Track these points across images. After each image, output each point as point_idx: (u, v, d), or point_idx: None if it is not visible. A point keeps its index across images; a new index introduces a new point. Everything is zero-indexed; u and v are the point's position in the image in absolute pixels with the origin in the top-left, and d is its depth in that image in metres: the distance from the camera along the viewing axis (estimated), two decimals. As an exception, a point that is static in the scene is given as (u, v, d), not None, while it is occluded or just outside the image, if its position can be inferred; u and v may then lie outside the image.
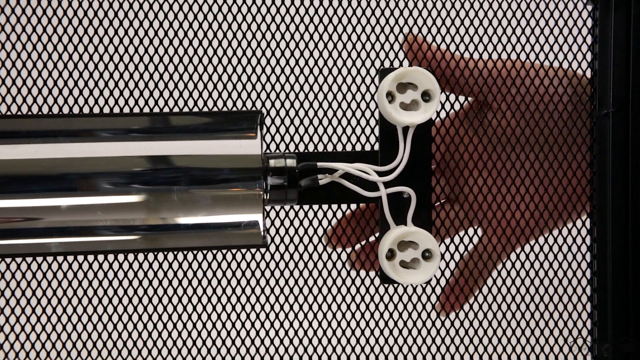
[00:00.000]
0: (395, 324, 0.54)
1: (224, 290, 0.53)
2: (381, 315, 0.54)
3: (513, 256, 0.55)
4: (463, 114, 0.54)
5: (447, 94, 0.53)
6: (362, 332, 0.54)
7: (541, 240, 0.54)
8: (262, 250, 0.53)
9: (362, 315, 0.54)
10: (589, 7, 0.53)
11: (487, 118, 0.53)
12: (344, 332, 0.54)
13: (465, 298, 0.54)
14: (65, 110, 0.51)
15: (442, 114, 0.54)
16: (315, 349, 0.54)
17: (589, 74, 0.53)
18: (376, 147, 0.52)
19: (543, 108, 0.52)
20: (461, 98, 0.54)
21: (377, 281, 0.54)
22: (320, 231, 0.53)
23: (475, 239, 0.54)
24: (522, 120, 0.52)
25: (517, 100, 0.52)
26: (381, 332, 0.54)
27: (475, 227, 0.54)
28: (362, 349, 0.54)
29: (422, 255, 0.50)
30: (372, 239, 0.53)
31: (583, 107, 0.52)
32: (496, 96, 0.52)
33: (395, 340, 0.54)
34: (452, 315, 0.54)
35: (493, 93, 0.52)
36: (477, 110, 0.53)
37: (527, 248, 0.54)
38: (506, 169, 0.53)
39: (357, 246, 0.53)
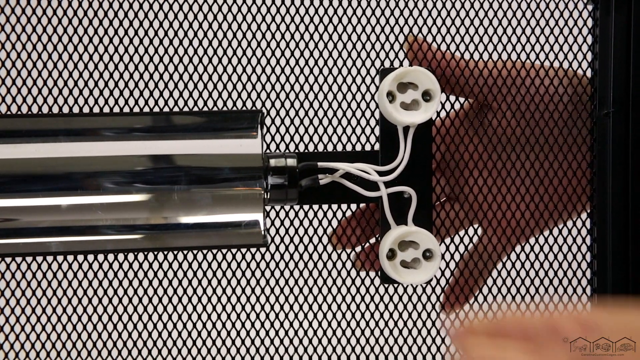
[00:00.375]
0: (396, 324, 0.54)
1: (224, 290, 0.53)
2: (381, 315, 0.54)
3: (513, 256, 0.54)
4: (463, 114, 0.54)
5: (447, 94, 0.53)
6: (363, 332, 0.54)
7: (541, 240, 0.54)
8: (262, 250, 0.53)
9: (363, 315, 0.54)
10: (590, 7, 0.53)
11: (487, 118, 0.53)
12: (344, 332, 0.54)
13: (465, 297, 0.54)
14: (65, 110, 0.51)
15: (442, 114, 0.54)
16: (315, 349, 0.54)
17: (589, 74, 0.53)
18: (377, 147, 0.52)
19: (543, 108, 0.52)
20: (461, 98, 0.54)
21: (377, 281, 0.53)
22: (320, 231, 0.53)
23: (476, 239, 0.54)
24: (522, 120, 0.52)
25: (517, 101, 0.52)
26: (381, 332, 0.54)
27: (476, 227, 0.54)
28: (362, 349, 0.54)
29: (422, 255, 0.50)
30: (372, 239, 0.53)
31: (583, 107, 0.52)
32: (496, 96, 0.52)
33: (396, 340, 0.54)
34: (453, 315, 0.54)
35: (493, 93, 0.52)
36: (477, 110, 0.53)
37: (527, 248, 0.54)
38: (506, 169, 0.53)
39: (357, 247, 0.53)
